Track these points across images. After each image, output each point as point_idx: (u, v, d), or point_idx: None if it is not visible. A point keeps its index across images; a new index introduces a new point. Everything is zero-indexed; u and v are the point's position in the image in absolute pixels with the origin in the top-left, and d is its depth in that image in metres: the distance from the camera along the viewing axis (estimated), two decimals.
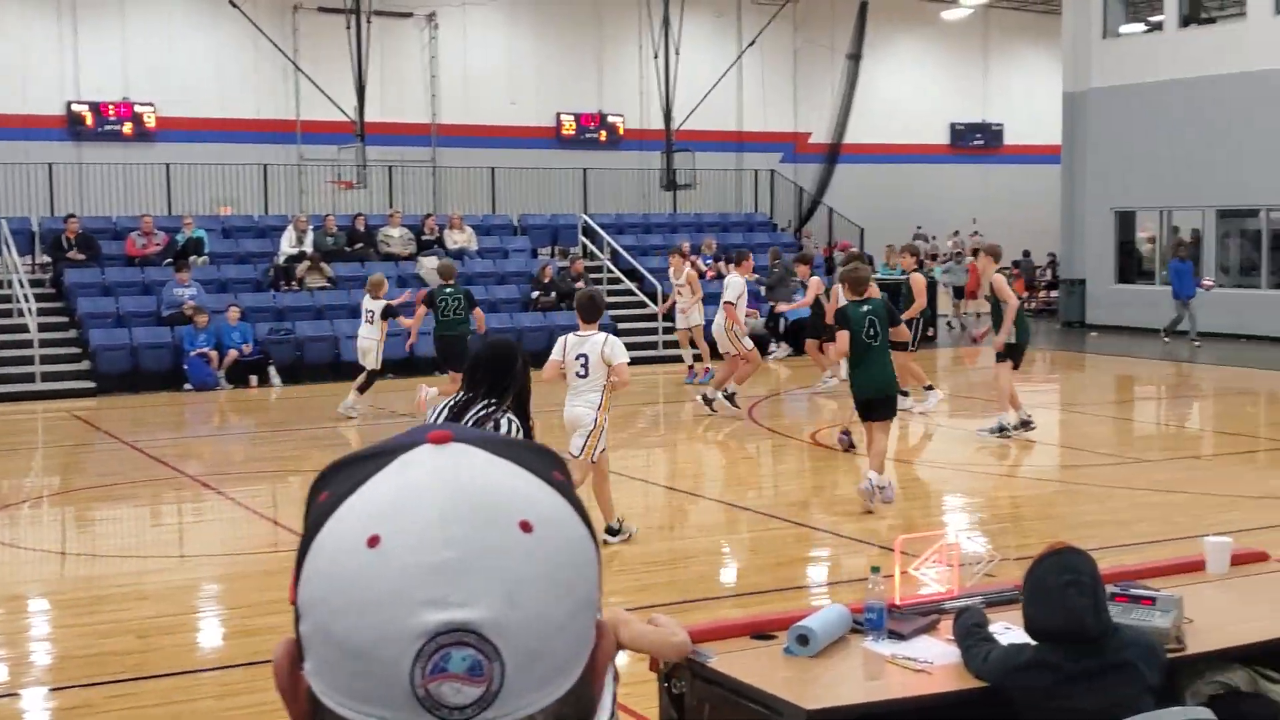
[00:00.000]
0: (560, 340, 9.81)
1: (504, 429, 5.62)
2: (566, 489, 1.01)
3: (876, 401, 10.86)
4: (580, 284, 23.20)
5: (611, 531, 9.71)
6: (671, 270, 19.86)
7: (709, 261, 24.95)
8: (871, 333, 10.66)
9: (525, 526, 0.96)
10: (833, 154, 32.76)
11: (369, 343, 16.85)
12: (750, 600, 8.51)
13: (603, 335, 9.67)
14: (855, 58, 33.58)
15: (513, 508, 0.96)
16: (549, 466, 1.02)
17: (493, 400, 5.86)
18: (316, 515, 0.99)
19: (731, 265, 17.12)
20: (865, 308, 10.79)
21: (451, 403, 6.04)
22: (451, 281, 16.29)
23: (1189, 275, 23.40)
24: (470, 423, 5.62)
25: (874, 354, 10.72)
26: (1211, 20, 27.62)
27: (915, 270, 16.63)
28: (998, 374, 14.24)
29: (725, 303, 16.20)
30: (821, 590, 8.90)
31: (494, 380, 5.93)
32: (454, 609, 0.92)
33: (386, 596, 0.93)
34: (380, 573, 0.93)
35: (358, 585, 0.93)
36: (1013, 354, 14.08)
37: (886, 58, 35.08)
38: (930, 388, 16.37)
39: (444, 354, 16.16)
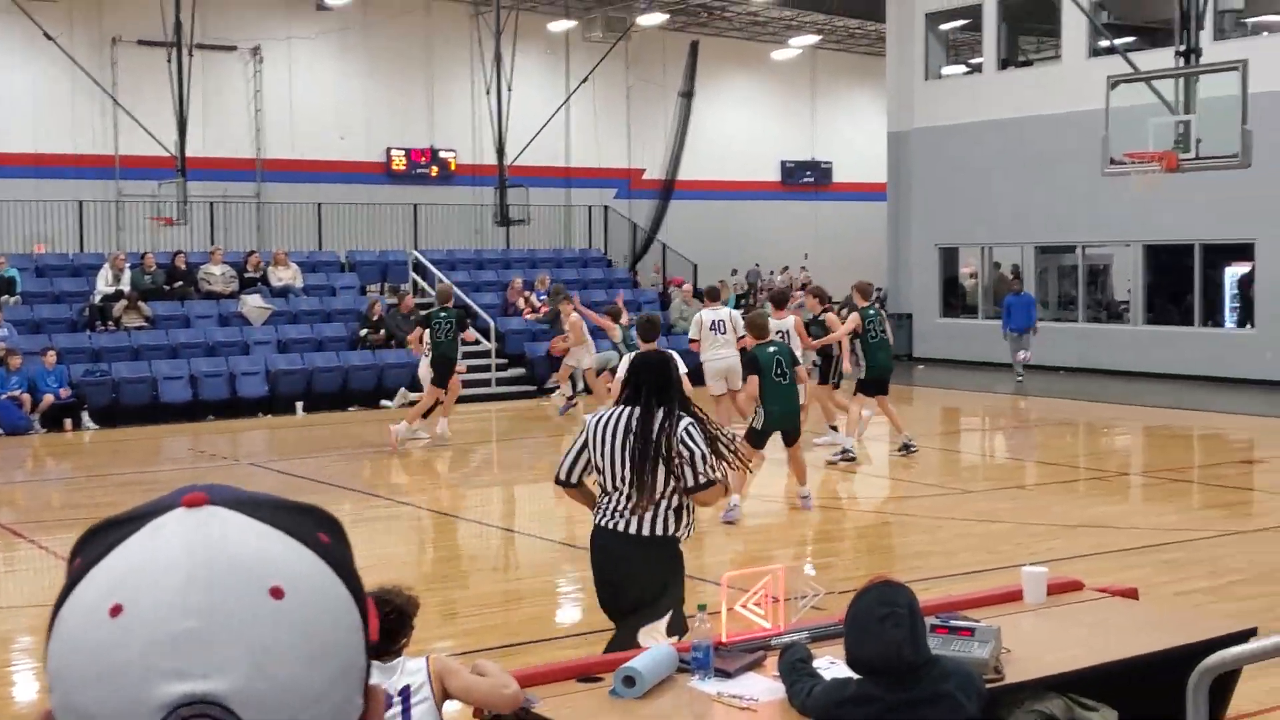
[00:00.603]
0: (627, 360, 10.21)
1: (688, 431, 5.78)
2: (331, 551, 0.98)
3: (788, 431, 11.88)
4: (411, 319, 22.90)
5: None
6: (561, 315, 20.05)
7: (542, 297, 24.86)
8: (779, 371, 11.58)
9: (276, 592, 0.93)
10: (666, 190, 33.02)
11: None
12: (583, 641, 8.39)
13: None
14: (687, 95, 33.98)
15: (263, 573, 0.93)
16: (313, 528, 0.99)
17: (665, 406, 5.88)
18: (68, 582, 0.97)
19: (705, 300, 17.17)
20: (771, 349, 11.74)
21: (613, 414, 6.00)
22: (448, 304, 16.95)
23: (1026, 309, 23.63)
24: (658, 435, 5.78)
25: (783, 390, 11.62)
26: (1029, 63, 28.60)
27: (826, 310, 16.58)
28: (852, 402, 15.41)
29: (691, 340, 16.19)
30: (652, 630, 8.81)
31: (660, 389, 5.95)
32: (196, 680, 0.89)
33: (128, 668, 0.90)
34: (122, 643, 0.91)
35: (99, 656, 0.91)
36: (864, 385, 15.36)
37: (718, 96, 35.56)
38: (834, 428, 16.30)
39: (436, 371, 16.78)
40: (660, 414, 5.84)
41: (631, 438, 5.79)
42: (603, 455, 5.88)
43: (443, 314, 16.70)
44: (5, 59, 25.52)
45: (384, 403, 21.33)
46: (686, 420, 5.90)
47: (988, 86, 27.21)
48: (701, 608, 4.64)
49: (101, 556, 0.95)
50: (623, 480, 5.83)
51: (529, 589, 10.11)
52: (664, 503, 5.86)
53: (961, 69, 29.68)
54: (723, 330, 15.53)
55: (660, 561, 6.01)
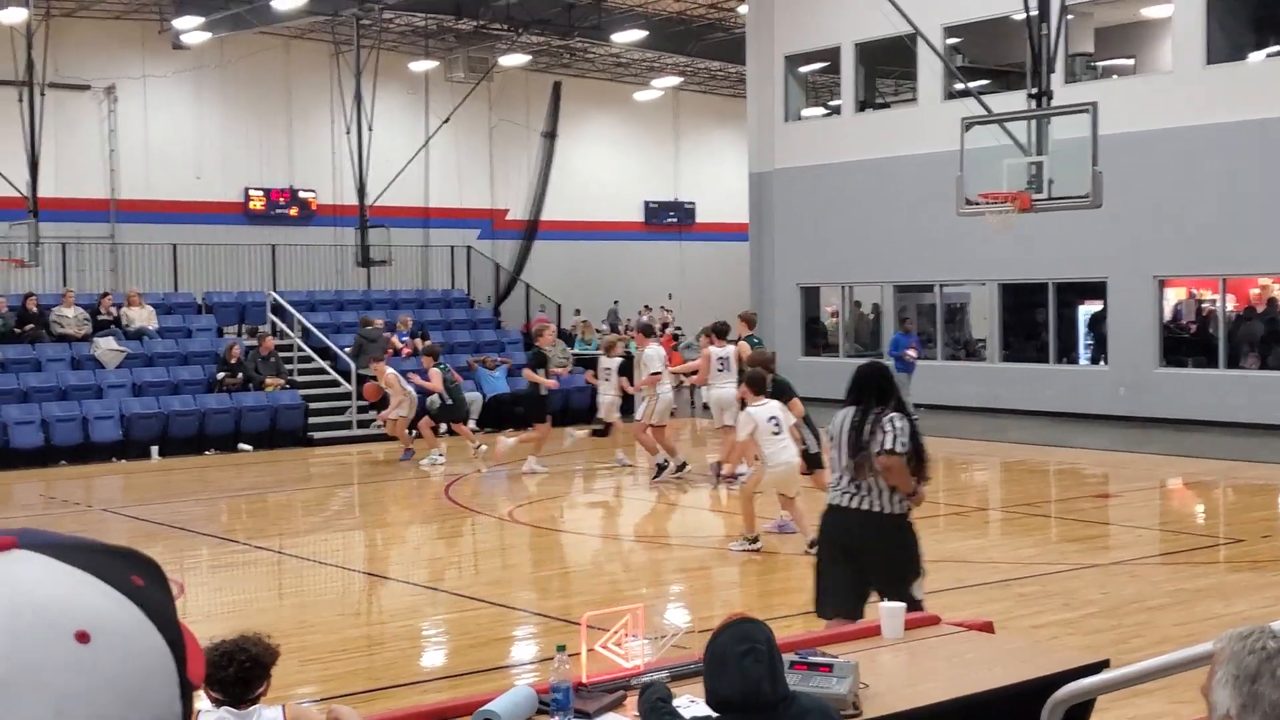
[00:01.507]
0: (747, 416, 11.18)
1: (893, 419, 7.02)
2: (144, 594, 0.96)
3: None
4: (271, 361, 22.51)
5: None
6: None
7: (405, 339, 24.61)
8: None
9: (82, 637, 0.91)
10: (530, 231, 33.04)
11: (609, 398, 18.06)
12: (444, 685, 8.28)
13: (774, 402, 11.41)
14: (550, 136, 34.10)
15: (68, 617, 0.91)
16: (126, 571, 0.97)
17: (882, 405, 7.13)
18: None
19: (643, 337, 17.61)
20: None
21: (842, 413, 7.29)
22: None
23: (905, 347, 23.74)
24: (869, 425, 7.08)
25: None
26: (886, 105, 29.23)
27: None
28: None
29: (652, 373, 16.90)
30: (519, 671, 8.73)
31: (880, 391, 7.23)
32: None
33: None
34: None
35: None
36: None
37: (581, 136, 35.73)
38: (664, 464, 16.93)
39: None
40: (874, 411, 7.12)
41: (853, 430, 7.15)
42: (835, 446, 7.25)
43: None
44: None
45: (242, 446, 20.91)
46: (893, 415, 7.12)
47: (846, 128, 27.73)
48: (560, 648, 4.59)
49: None
50: (845, 466, 7.19)
51: (390, 633, 9.95)
52: (877, 482, 7.15)
53: (821, 111, 30.23)
54: (727, 366, 16.32)
55: (894, 534, 7.29)
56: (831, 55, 27.91)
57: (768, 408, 11.14)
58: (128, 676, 0.93)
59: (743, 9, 29.90)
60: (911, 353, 23.43)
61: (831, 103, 29.76)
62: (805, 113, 29.56)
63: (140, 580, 0.98)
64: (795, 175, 28.20)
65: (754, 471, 11.95)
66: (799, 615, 9.13)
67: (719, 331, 17.15)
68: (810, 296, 28.98)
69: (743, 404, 11.91)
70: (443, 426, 19.66)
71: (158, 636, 0.96)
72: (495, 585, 11.40)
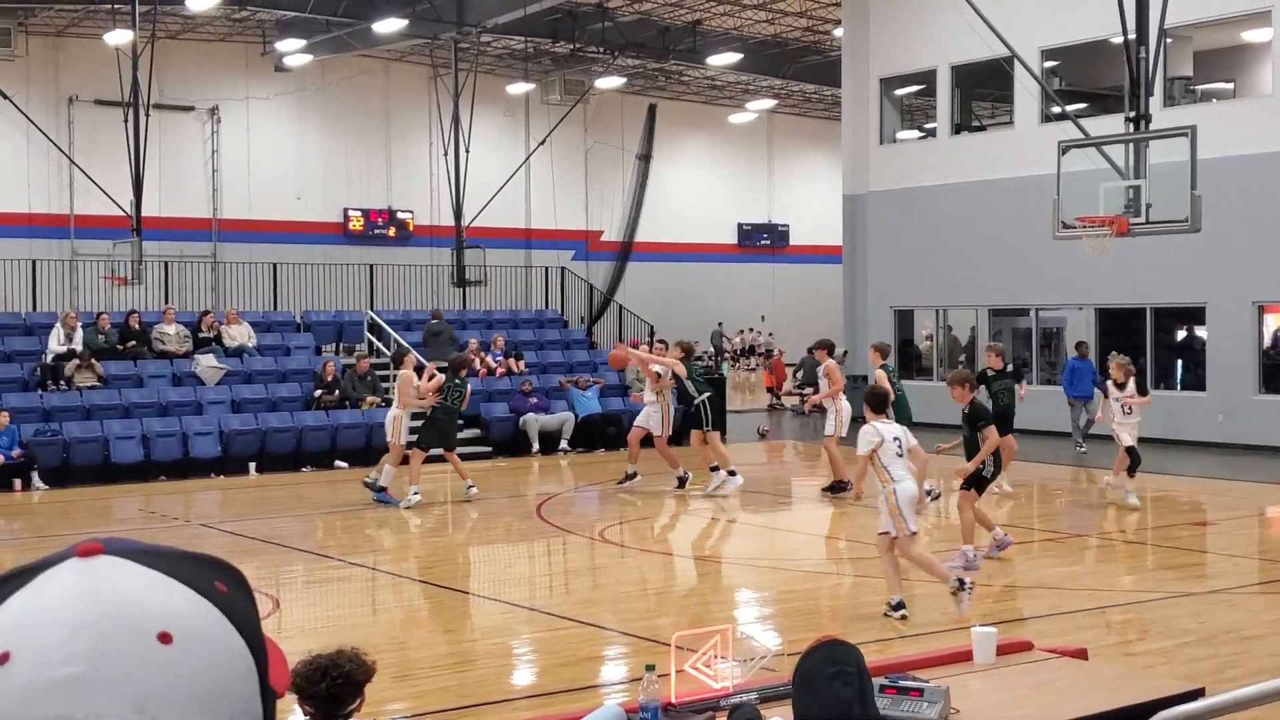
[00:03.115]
0: (871, 430, 10.42)
1: None
2: (227, 600, 0.99)
3: None
4: (368, 380, 22.82)
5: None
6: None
7: (498, 358, 24.82)
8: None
9: (164, 638, 0.94)
10: (623, 252, 33.18)
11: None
12: (534, 703, 8.33)
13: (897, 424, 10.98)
14: (645, 158, 34.27)
15: (151, 618, 0.94)
16: (210, 577, 1.00)
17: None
18: None
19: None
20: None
21: None
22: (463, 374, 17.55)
23: (1088, 375, 22.24)
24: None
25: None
26: (982, 128, 28.99)
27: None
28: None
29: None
30: (607, 691, 8.76)
31: None
32: None
33: (13, 713, 0.90)
34: (7, 689, 0.91)
35: None
36: None
37: (676, 159, 35.85)
38: (722, 470, 16.84)
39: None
40: None
41: None
42: None
43: (457, 381, 17.31)
44: None
45: (338, 463, 21.19)
46: None
47: (942, 151, 27.55)
48: (650, 668, 4.61)
49: None
50: None
51: (481, 650, 10.03)
52: None
53: (916, 133, 30.05)
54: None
55: None
56: (927, 78, 27.76)
57: (893, 427, 10.64)
58: (207, 678, 0.95)
59: (838, 32, 29.86)
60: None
61: (927, 125, 29.58)
62: (900, 135, 29.42)
63: (223, 586, 1.01)
64: (890, 198, 28.05)
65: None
66: (890, 639, 9.06)
67: (829, 347, 17.43)
68: (904, 319, 28.78)
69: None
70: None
71: (239, 641, 0.99)
72: (585, 605, 11.45)
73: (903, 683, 4.52)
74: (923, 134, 29.81)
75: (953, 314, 27.99)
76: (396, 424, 17.08)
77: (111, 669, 0.92)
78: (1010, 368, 16.96)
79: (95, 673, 0.92)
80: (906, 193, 27.67)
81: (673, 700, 4.75)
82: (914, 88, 29.08)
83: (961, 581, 9.88)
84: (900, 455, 10.35)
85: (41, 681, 0.91)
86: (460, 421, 18.12)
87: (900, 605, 10.09)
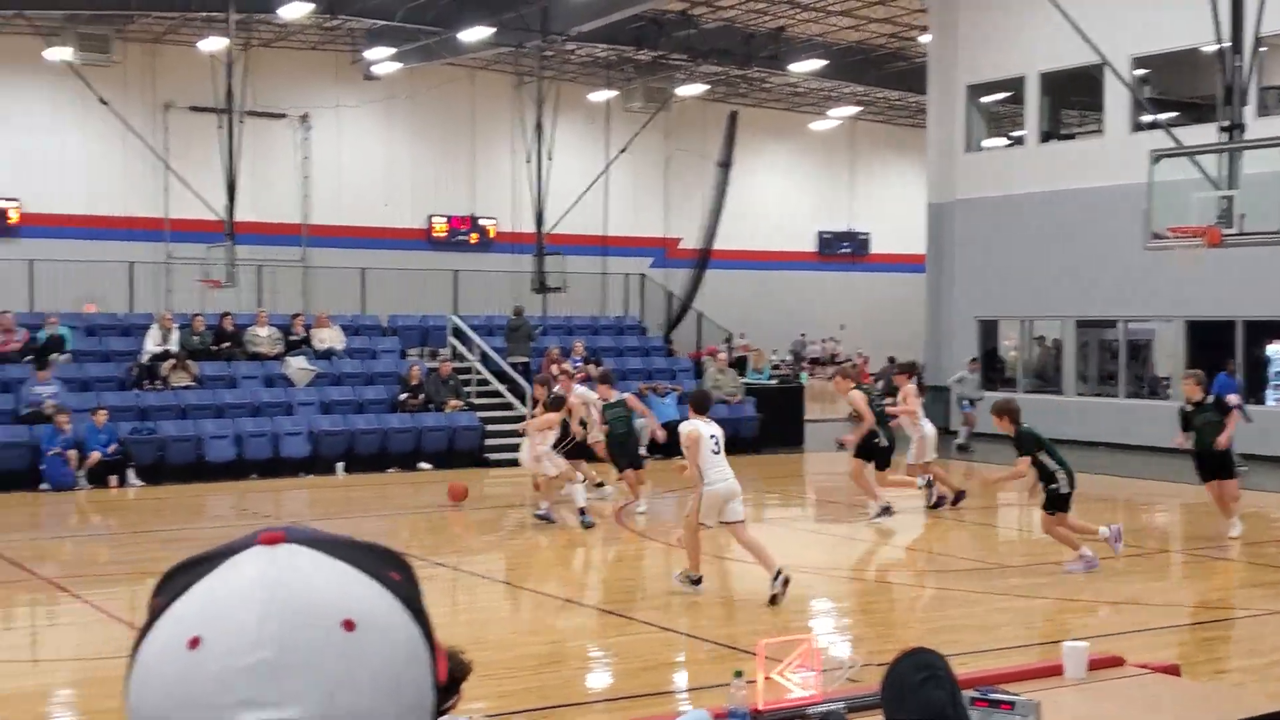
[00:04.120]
0: (693, 427, 11.35)
1: None
2: (402, 589, 1.01)
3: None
4: (451, 383, 23.10)
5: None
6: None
7: (578, 364, 24.98)
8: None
9: (348, 625, 0.96)
10: (703, 259, 33.21)
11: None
12: (613, 706, 8.42)
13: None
14: (725, 165, 34.28)
15: (336, 606, 0.97)
16: (384, 566, 1.02)
17: None
18: (148, 619, 1.00)
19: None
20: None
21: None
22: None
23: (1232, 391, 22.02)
24: None
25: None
26: (1071, 136, 28.70)
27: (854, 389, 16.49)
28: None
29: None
30: (685, 696, 8.82)
31: None
32: (270, 709, 0.92)
33: (205, 697, 0.93)
34: (199, 674, 0.94)
35: (178, 687, 0.94)
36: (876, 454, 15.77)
37: (756, 166, 35.84)
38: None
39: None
40: None
41: None
42: None
43: (614, 404, 17.02)
44: (60, 122, 26.07)
45: (421, 465, 21.44)
46: None
47: (1029, 159, 27.31)
48: (738, 674, 4.67)
49: (180, 593, 0.99)
50: None
51: (562, 653, 10.13)
52: None
53: (1003, 141, 29.81)
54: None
55: None
56: (1015, 85, 27.54)
57: (712, 426, 11.53)
58: (389, 665, 0.97)
59: (924, 38, 29.72)
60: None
61: (1014, 133, 29.34)
62: (986, 143, 29.21)
63: (397, 576, 1.03)
64: (976, 206, 27.86)
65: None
66: (978, 653, 9.04)
67: (910, 371, 17.22)
68: (988, 330, 28.56)
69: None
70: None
71: (415, 629, 1.01)
72: (663, 610, 11.51)
73: (993, 696, 4.54)
74: (1010, 142, 29.57)
75: (1039, 325, 27.73)
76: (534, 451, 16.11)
77: (299, 655, 0.94)
78: (1211, 399, 14.65)
79: (283, 658, 0.94)
80: (993, 201, 27.46)
81: (760, 707, 4.80)
82: (1001, 95, 28.86)
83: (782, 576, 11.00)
84: (717, 453, 11.21)
85: (232, 667, 0.94)
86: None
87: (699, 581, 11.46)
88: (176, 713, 0.94)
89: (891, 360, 33.86)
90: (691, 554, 11.59)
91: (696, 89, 32.91)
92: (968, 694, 4.32)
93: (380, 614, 0.99)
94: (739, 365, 27.94)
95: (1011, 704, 4.50)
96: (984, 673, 5.37)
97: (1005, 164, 28.12)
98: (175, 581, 1.01)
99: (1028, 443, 12.64)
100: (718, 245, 33.23)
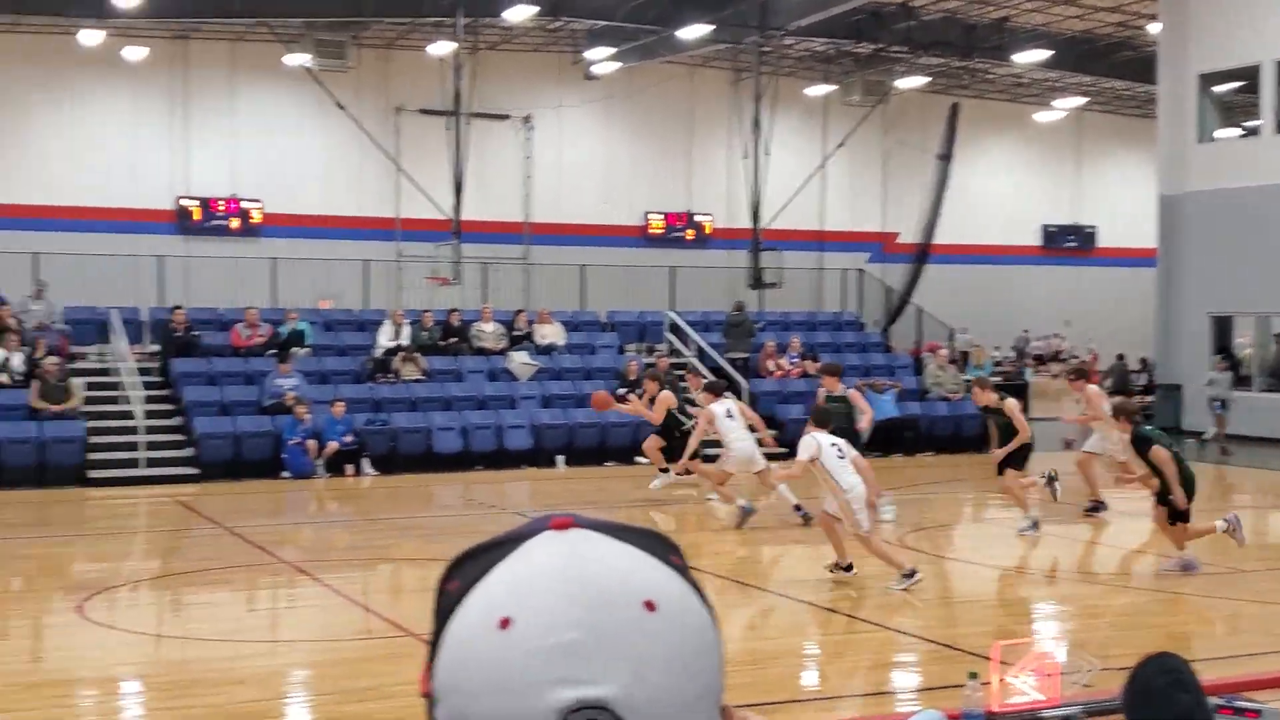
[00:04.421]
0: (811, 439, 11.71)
1: None
2: (686, 573, 1.06)
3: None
4: (667, 379, 23.37)
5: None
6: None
7: (795, 360, 25.00)
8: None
9: (650, 606, 1.00)
10: (921, 254, 32.80)
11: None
12: (834, 704, 8.46)
13: None
14: (946, 158, 33.77)
15: (637, 589, 1.01)
16: (667, 550, 1.06)
17: None
18: (447, 604, 1.04)
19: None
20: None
21: None
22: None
23: None
24: None
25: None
26: None
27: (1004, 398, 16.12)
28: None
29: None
30: (908, 696, 8.83)
31: None
32: (585, 686, 0.96)
33: (519, 677, 0.97)
34: (512, 654, 0.98)
35: (491, 667, 0.98)
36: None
37: (978, 159, 35.20)
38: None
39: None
40: None
41: None
42: None
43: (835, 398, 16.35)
44: (299, 126, 27.27)
45: (639, 459, 21.76)
46: None
47: (1265, 150, 26.21)
48: (973, 676, 4.72)
49: (480, 577, 1.03)
50: None
51: (780, 649, 10.19)
52: None
53: (1237, 131, 28.67)
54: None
55: None
56: (1250, 73, 26.46)
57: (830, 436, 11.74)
58: (686, 645, 1.00)
59: (1154, 27, 28.78)
60: None
61: (1248, 123, 28.18)
62: (1219, 134, 28.13)
63: (677, 560, 1.06)
64: (1209, 198, 26.86)
65: None
66: (1215, 659, 8.82)
67: (1084, 375, 16.71)
68: (1222, 326, 27.51)
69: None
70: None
71: (705, 611, 1.04)
72: (884, 609, 11.50)
73: (1239, 703, 4.49)
74: (1245, 132, 28.41)
75: (1276, 321, 26.60)
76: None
77: (606, 635, 0.98)
78: None
79: (592, 639, 0.97)
80: (1227, 193, 26.43)
81: (995, 709, 4.83)
82: (1235, 84, 27.75)
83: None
84: (843, 459, 11.51)
85: (545, 645, 0.97)
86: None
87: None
88: (492, 690, 0.98)
89: (1120, 357, 32.88)
90: (837, 547, 11.95)
91: (916, 81, 32.53)
92: (1212, 701, 4.29)
93: (676, 596, 1.02)
94: (960, 362, 27.54)
95: (1258, 712, 4.44)
96: (1228, 679, 5.29)
97: (1239, 155, 27.03)
98: (468, 567, 1.05)
99: (1143, 443, 12.21)
100: (938, 239, 32.76)
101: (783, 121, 30.12)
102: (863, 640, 10.24)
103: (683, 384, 19.91)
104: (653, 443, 17.84)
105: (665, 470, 17.44)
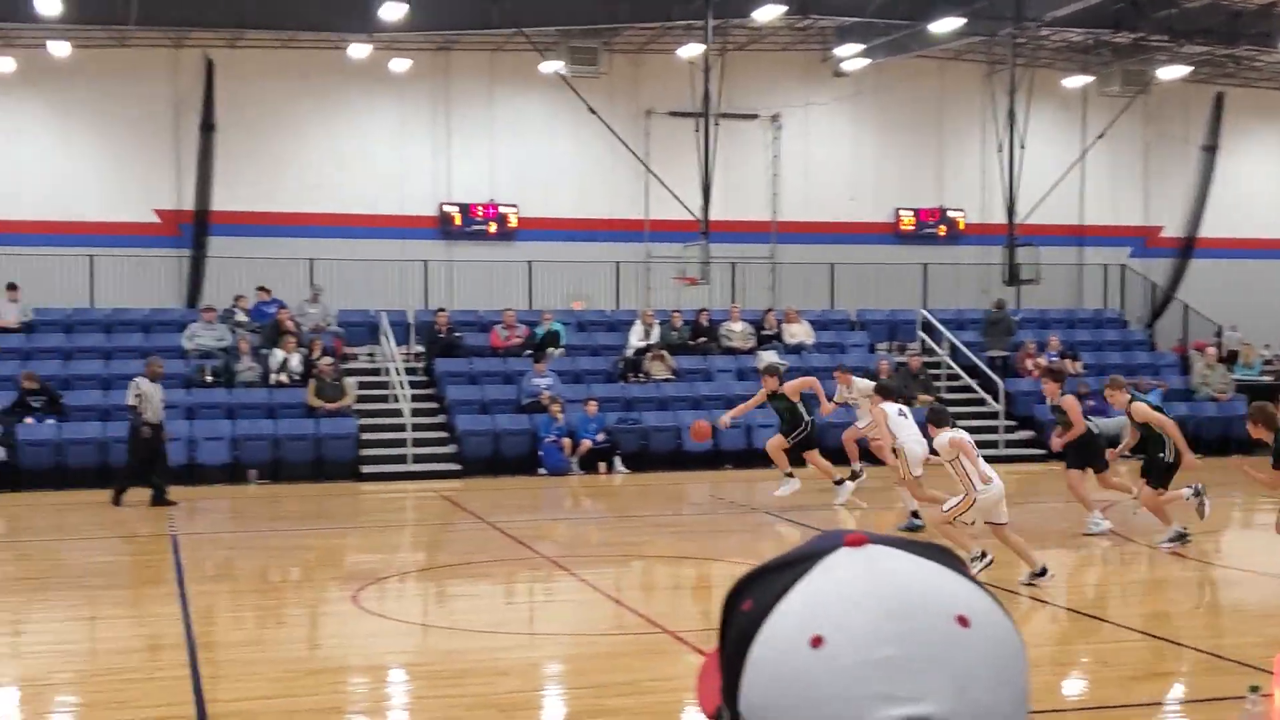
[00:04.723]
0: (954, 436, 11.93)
1: None
2: (985, 589, 1.05)
3: None
4: (920, 378, 23.11)
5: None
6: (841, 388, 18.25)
7: (1053, 359, 24.35)
8: None
9: (963, 621, 0.99)
10: (1186, 248, 31.54)
11: None
12: (1099, 715, 8.28)
13: None
14: (1210, 149, 32.38)
15: (949, 604, 1.00)
16: (960, 565, 1.06)
17: None
18: (744, 624, 1.03)
19: None
20: None
21: None
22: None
23: None
24: None
25: None
26: None
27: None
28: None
29: None
30: (1175, 708, 8.56)
31: None
32: (907, 704, 0.95)
33: (836, 694, 0.96)
34: (827, 672, 0.97)
35: (806, 685, 0.98)
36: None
37: (1246, 149, 33.61)
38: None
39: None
40: None
41: None
42: None
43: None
44: (552, 131, 27.96)
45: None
46: None
47: None
48: (1254, 689, 4.59)
49: (781, 595, 1.02)
50: None
51: (1043, 657, 10.00)
52: None
53: None
54: None
55: None
56: None
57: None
58: (1000, 659, 0.99)
59: None
60: None
61: None
62: None
63: (969, 574, 1.05)
64: None
65: None
66: None
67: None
68: None
69: None
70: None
71: (1010, 622, 1.03)
72: (1151, 618, 11.16)
73: None
74: None
75: None
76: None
77: (924, 650, 0.97)
78: None
79: (910, 654, 0.97)
80: None
81: None
82: None
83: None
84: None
85: (861, 662, 0.97)
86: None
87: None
88: (807, 710, 0.97)
89: None
90: (960, 539, 11.99)
91: (1178, 71, 31.21)
92: None
93: (986, 610, 1.01)
94: (1229, 361, 26.38)
95: None
96: None
97: None
98: (761, 586, 1.04)
99: None
100: (1204, 233, 31.45)
101: (1038, 114, 29.34)
102: (1129, 649, 9.95)
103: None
104: (777, 443, 17.42)
105: (791, 475, 17.14)
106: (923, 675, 0.96)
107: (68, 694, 8.76)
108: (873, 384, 16.54)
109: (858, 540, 1.04)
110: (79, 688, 8.86)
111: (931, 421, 12.41)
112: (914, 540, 1.07)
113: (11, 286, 23.29)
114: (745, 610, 1.04)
